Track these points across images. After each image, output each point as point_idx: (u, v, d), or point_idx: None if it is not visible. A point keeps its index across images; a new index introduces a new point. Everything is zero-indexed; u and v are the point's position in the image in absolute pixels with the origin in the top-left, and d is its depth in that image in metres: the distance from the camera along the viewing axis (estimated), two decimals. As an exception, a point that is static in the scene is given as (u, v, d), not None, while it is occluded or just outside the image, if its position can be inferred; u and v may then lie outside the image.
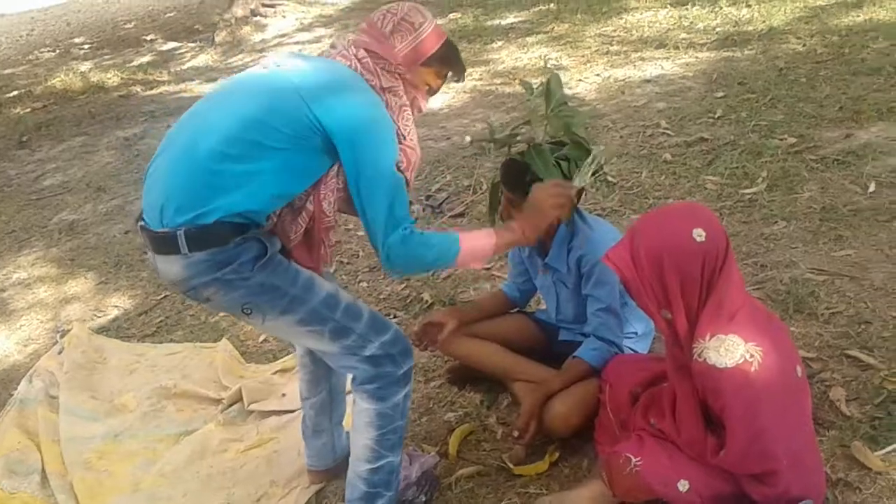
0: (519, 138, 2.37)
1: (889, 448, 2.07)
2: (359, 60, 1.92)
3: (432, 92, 2.07)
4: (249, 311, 1.87)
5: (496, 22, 8.49)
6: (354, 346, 1.94)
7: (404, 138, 1.95)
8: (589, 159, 2.14)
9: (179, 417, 2.95)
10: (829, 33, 5.69)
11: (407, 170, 1.94)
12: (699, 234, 1.80)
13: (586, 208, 3.57)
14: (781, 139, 4.10)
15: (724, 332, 1.84)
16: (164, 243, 1.79)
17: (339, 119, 1.79)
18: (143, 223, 1.86)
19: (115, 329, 3.75)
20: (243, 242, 1.79)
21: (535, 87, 2.42)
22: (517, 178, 2.27)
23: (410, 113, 1.99)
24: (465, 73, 2.14)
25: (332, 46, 2.02)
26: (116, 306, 4.00)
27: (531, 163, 2.22)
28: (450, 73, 2.07)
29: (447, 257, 1.90)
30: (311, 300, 1.89)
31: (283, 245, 1.94)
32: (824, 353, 2.50)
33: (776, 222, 3.35)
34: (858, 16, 5.92)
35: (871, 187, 3.43)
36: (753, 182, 3.73)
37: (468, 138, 4.76)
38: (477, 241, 1.94)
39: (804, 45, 5.57)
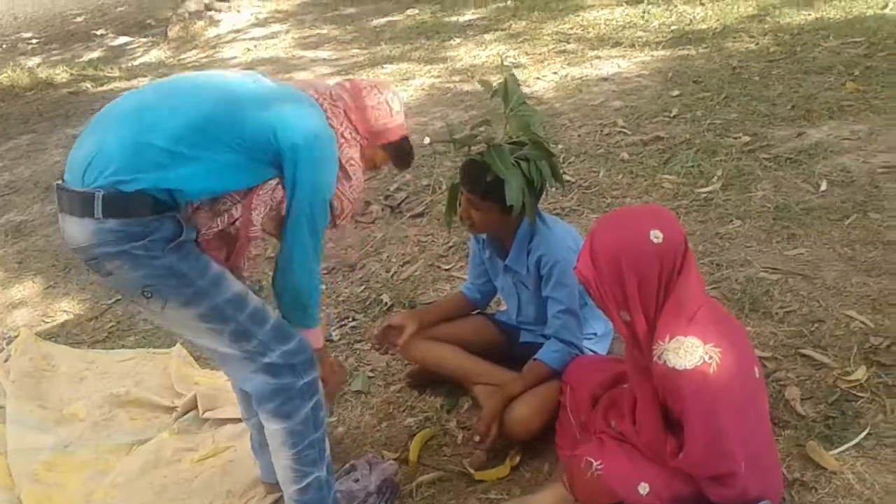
0: (478, 138, 2.35)
1: (843, 447, 2.10)
2: (332, 103, 1.99)
3: (372, 169, 2.18)
4: (150, 295, 1.81)
5: (454, 19, 8.46)
6: (254, 352, 1.90)
7: (343, 184, 2.00)
8: None
9: (132, 426, 2.88)
10: (781, 32, 5.77)
11: (339, 217, 2.03)
12: (656, 236, 1.80)
13: (544, 208, 3.55)
14: (736, 138, 4.14)
15: (682, 334, 1.84)
16: (79, 203, 1.73)
17: (295, 143, 1.81)
18: (60, 182, 1.80)
19: (65, 335, 3.65)
20: (161, 219, 1.75)
21: (494, 86, 2.40)
22: (477, 178, 2.25)
23: (357, 169, 2.04)
24: (410, 167, 2.33)
25: (304, 82, 2.10)
26: (65, 311, 3.89)
27: (491, 163, 2.20)
28: (395, 161, 2.18)
29: (311, 316, 2.02)
30: (217, 296, 1.84)
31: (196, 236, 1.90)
32: (779, 353, 2.53)
33: (731, 221, 3.38)
34: (810, 14, 6.01)
35: (823, 186, 3.49)
36: (709, 181, 3.76)
37: (427, 139, 4.72)
38: (318, 333, 2.09)
39: (757, 44, 5.64)
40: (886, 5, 5.78)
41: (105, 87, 8.53)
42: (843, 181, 3.50)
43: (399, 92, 2.14)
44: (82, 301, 3.94)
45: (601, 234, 1.88)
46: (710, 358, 1.82)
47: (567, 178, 4.03)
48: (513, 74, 2.37)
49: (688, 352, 1.83)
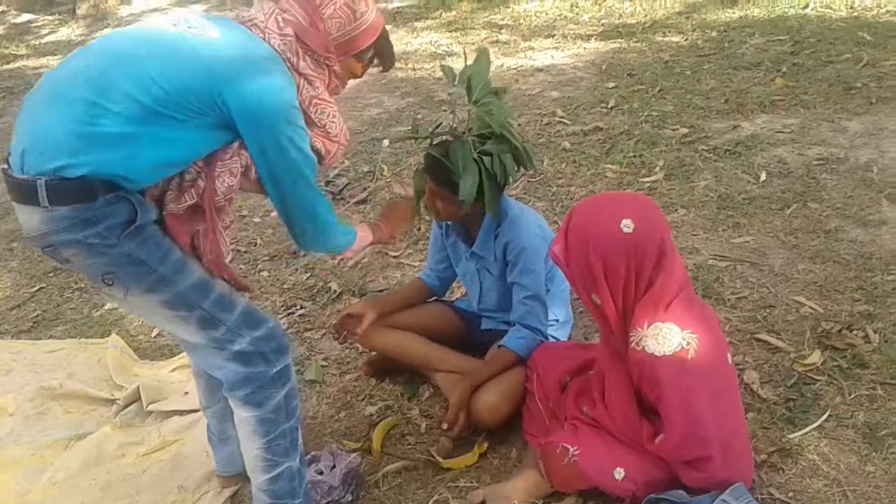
0: (442, 128, 2.28)
1: (806, 429, 2.15)
2: (281, 37, 1.76)
3: (355, 78, 1.97)
4: (111, 282, 1.70)
5: (382, 5, 8.35)
6: (223, 340, 1.80)
7: (316, 127, 1.84)
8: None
9: (68, 420, 2.70)
10: (708, 28, 5.93)
11: (325, 157, 1.88)
12: (626, 225, 1.79)
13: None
14: (674, 129, 4.23)
15: (661, 320, 1.85)
16: (23, 192, 1.59)
17: (246, 106, 1.64)
18: (5, 167, 1.65)
19: (-15, 325, 3.42)
20: (114, 202, 1.60)
21: (456, 74, 2.31)
22: (440, 171, 2.19)
23: (325, 105, 1.85)
24: (394, 64, 2.05)
25: (247, 18, 1.80)
26: (-17, 300, 3.64)
27: (452, 157, 2.15)
28: (377, 64, 1.98)
29: (347, 243, 2.00)
30: (180, 283, 1.73)
31: (159, 215, 1.74)
32: (734, 338, 2.57)
33: (676, 210, 3.44)
34: (734, 12, 6.20)
35: (763, 177, 3.59)
36: (651, 171, 3.82)
37: (386, 142, 4.58)
38: (362, 236, 2.07)
39: (686, 39, 5.78)
40: (807, 5, 6.02)
41: (12, 65, 8.09)
42: (781, 172, 3.61)
43: None
44: (1, 289, 3.70)
45: (576, 216, 1.87)
46: (688, 344, 1.83)
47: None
48: (486, 52, 2.30)
49: (666, 338, 1.84)
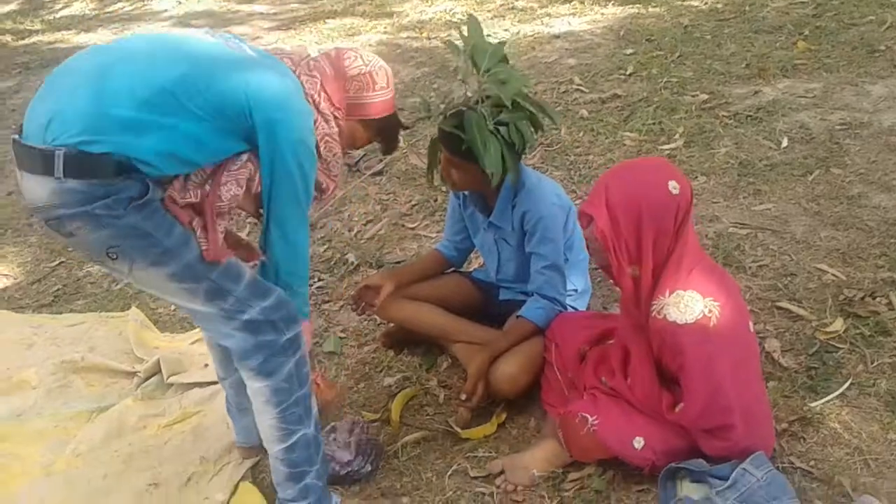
0: (455, 100, 2.25)
1: (828, 397, 2.13)
2: (309, 76, 1.87)
3: (352, 148, 2.06)
4: (115, 256, 1.71)
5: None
6: (232, 310, 1.81)
7: (322, 162, 1.90)
8: None
9: (90, 393, 2.73)
10: (728, -8, 5.81)
11: (325, 193, 1.99)
12: (674, 187, 1.79)
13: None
14: (694, 96, 4.16)
15: (682, 288, 1.84)
16: (38, 161, 1.61)
17: (271, 123, 1.72)
18: (16, 137, 1.67)
19: (6, 300, 3.45)
20: (127, 179, 1.63)
21: (461, 47, 2.27)
22: (455, 140, 2.17)
23: (335, 145, 1.92)
24: (396, 151, 2.15)
25: (281, 50, 1.93)
26: (5, 275, 3.67)
27: (468, 130, 2.12)
28: (378, 141, 2.06)
29: (305, 294, 1.99)
30: (186, 254, 1.74)
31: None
32: (755, 306, 2.54)
33: (696, 177, 3.39)
34: (755, -25, 6.06)
35: (784, 142, 3.53)
36: (671, 138, 3.76)
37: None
38: (309, 325, 2.02)
39: (706, 3, 5.66)
40: (830, -33, 5.86)
41: (27, 41, 8.07)
42: (803, 138, 3.55)
43: (389, 69, 1.97)
44: (22, 264, 3.72)
45: (619, 189, 1.82)
46: (710, 311, 1.82)
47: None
48: (475, 19, 2.27)
49: (688, 306, 1.82)
